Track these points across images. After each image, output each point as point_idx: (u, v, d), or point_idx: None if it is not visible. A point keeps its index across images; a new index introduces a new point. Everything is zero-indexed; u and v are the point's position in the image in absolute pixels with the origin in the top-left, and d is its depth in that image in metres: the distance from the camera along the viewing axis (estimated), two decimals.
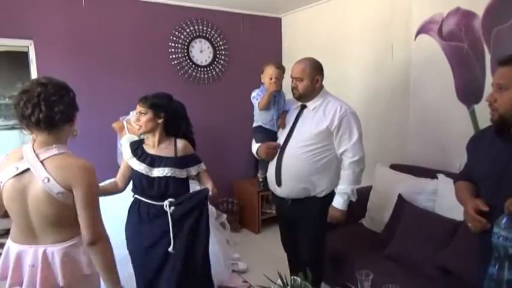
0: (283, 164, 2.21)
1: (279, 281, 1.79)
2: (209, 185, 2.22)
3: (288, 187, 2.23)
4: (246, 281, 3.02)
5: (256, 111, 2.34)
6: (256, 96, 2.28)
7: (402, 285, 1.62)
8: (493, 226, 1.28)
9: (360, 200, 2.90)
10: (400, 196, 2.58)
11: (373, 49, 3.30)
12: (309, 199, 2.23)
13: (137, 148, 2.14)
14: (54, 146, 1.42)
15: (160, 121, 2.10)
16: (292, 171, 2.20)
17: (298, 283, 1.72)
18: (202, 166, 2.25)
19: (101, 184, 2.03)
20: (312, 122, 2.20)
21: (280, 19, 4.40)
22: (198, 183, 2.34)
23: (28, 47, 3.29)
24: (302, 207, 2.25)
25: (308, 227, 2.28)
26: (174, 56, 3.80)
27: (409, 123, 3.05)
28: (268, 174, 2.35)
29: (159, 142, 2.14)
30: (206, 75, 3.99)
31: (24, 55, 3.44)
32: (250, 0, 3.79)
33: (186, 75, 3.89)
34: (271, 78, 2.23)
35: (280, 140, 2.28)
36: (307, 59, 2.27)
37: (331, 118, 2.16)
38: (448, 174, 2.44)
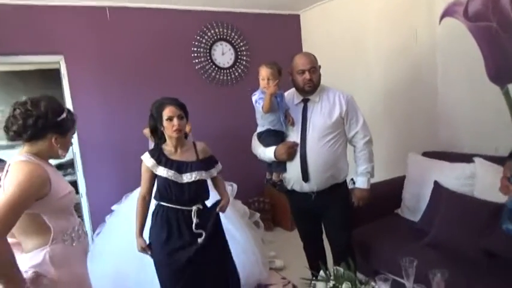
0: (308, 159, 2.23)
1: (322, 273, 1.80)
2: (224, 196, 2.24)
3: (316, 179, 2.25)
4: (284, 278, 3.03)
5: (261, 115, 2.26)
6: (259, 100, 2.19)
7: (448, 272, 1.60)
8: None
9: (394, 190, 2.91)
10: (436, 183, 2.53)
11: (396, 36, 3.25)
12: (333, 187, 2.31)
13: (159, 155, 2.08)
14: (24, 154, 1.46)
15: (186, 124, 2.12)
16: (319, 163, 2.23)
17: (341, 273, 1.73)
18: (220, 166, 2.27)
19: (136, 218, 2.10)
20: (323, 113, 2.26)
21: (299, 16, 4.40)
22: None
23: (59, 62, 3.43)
24: (327, 197, 2.31)
25: (338, 214, 2.36)
26: (197, 60, 3.87)
27: (439, 109, 2.99)
28: (289, 175, 2.32)
29: (181, 146, 2.13)
30: (229, 77, 4.04)
31: (56, 72, 3.59)
32: None
33: (210, 78, 3.96)
34: (263, 79, 2.17)
35: (293, 138, 2.27)
36: (307, 52, 2.31)
37: (339, 105, 2.27)
38: (485, 158, 2.38)
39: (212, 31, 3.91)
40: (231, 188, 3.29)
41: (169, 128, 2.04)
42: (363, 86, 3.62)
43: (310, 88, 2.26)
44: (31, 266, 1.38)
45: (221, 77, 4.00)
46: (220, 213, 2.84)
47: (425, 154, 2.91)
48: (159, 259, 2.08)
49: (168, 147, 2.13)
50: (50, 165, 1.55)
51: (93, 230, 3.35)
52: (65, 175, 5.33)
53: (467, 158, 2.53)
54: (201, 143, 2.26)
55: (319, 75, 2.30)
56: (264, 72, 2.17)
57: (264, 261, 3.02)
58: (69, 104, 3.42)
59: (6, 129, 1.46)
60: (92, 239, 3.24)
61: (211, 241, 2.10)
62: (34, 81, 5.27)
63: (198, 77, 3.89)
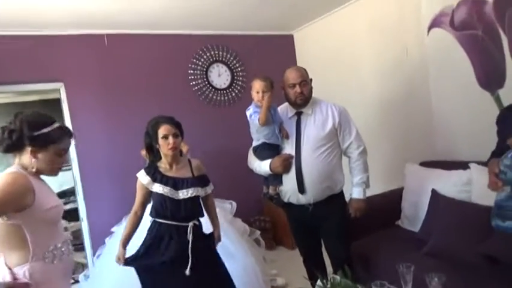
0: (304, 170, 2.24)
1: (319, 282, 1.77)
2: (216, 229, 2.27)
3: (312, 191, 2.25)
4: None
5: (255, 129, 2.29)
6: (254, 114, 2.23)
7: (447, 278, 1.58)
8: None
9: (393, 201, 2.90)
10: (433, 191, 2.52)
11: (387, 51, 3.32)
12: (330, 198, 2.31)
13: (154, 173, 2.10)
14: (14, 166, 1.50)
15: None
16: (315, 174, 2.24)
17: (338, 281, 1.70)
18: (212, 186, 2.29)
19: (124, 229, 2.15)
20: (316, 125, 2.29)
21: (292, 36, 4.52)
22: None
23: (59, 90, 3.52)
24: (324, 208, 2.30)
25: (335, 225, 2.35)
26: (194, 82, 3.96)
27: (434, 119, 3.01)
28: (285, 187, 2.32)
29: (177, 164, 2.15)
30: (226, 98, 4.11)
31: (57, 102, 3.67)
32: (262, 21, 3.92)
33: (207, 99, 4.03)
34: (257, 92, 2.20)
35: (288, 150, 2.30)
36: (298, 66, 2.36)
37: (332, 117, 2.30)
38: (479, 163, 2.37)
39: (208, 53, 4.01)
40: (230, 206, 3.29)
41: (165, 146, 2.07)
42: (358, 101, 3.66)
43: (302, 101, 2.30)
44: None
45: (218, 98, 4.08)
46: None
47: (423, 164, 2.90)
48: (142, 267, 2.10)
49: (163, 165, 2.15)
50: (39, 178, 1.56)
51: (94, 253, 3.33)
52: (67, 203, 5.35)
53: (463, 165, 2.52)
54: (196, 160, 2.28)
55: (311, 88, 2.35)
56: (257, 85, 2.22)
57: (265, 279, 2.96)
58: None
59: None
60: (93, 262, 3.22)
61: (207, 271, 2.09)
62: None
63: (195, 98, 3.97)
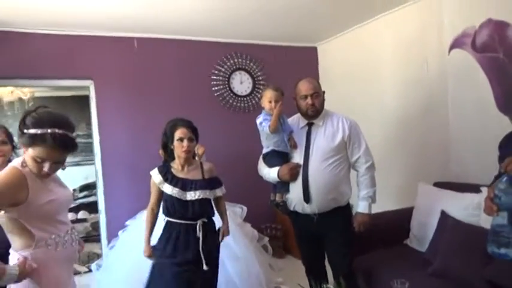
0: (310, 180, 2.28)
1: None
2: (224, 223, 2.33)
3: (318, 201, 2.28)
4: None
5: (265, 137, 2.36)
6: (264, 122, 2.29)
7: None
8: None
9: (403, 220, 2.88)
10: (443, 212, 2.49)
11: (408, 68, 3.32)
12: (335, 210, 2.32)
13: (166, 173, 2.20)
14: (21, 158, 1.54)
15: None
16: (321, 185, 2.27)
17: None
18: (224, 189, 2.35)
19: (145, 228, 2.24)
20: (326, 136, 2.33)
21: (316, 48, 4.57)
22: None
23: (89, 87, 3.73)
24: (329, 220, 2.32)
25: (339, 237, 2.35)
26: (216, 88, 4.07)
27: (450, 139, 2.97)
28: (291, 196, 2.37)
29: (189, 165, 2.25)
30: (246, 104, 4.20)
31: (87, 98, 3.89)
32: (287, 32, 4.00)
33: (228, 105, 4.13)
34: (270, 101, 2.28)
35: (297, 159, 2.34)
36: (311, 78, 2.40)
37: (342, 130, 2.33)
38: None
39: (232, 61, 4.12)
40: (240, 210, 3.35)
41: (179, 148, 2.17)
42: (376, 116, 3.66)
43: (313, 113, 2.35)
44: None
45: (238, 104, 4.17)
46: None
47: (437, 184, 2.87)
48: (160, 264, 2.18)
49: (175, 165, 2.25)
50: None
51: (108, 244, 3.48)
52: (90, 195, 5.58)
53: (476, 189, 2.47)
54: (208, 163, 2.37)
55: (323, 100, 2.39)
56: (269, 94, 2.31)
57: (269, 286, 3.00)
58: (95, 125, 3.68)
59: None
60: (107, 253, 3.37)
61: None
62: (69, 106, 5.71)
63: (216, 103, 4.08)
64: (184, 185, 2.17)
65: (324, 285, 1.78)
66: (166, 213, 2.20)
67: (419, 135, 3.26)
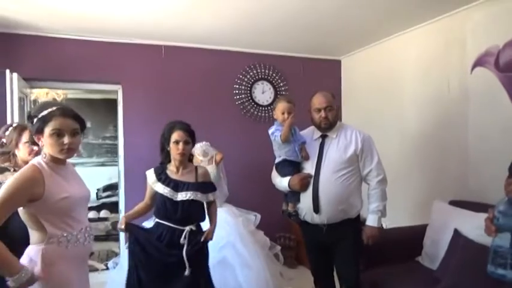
0: (320, 190, 2.31)
1: None
2: (211, 226, 2.34)
3: (327, 212, 2.30)
4: None
5: (278, 146, 2.41)
6: (275, 132, 2.35)
7: None
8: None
9: (416, 236, 2.85)
10: (456, 231, 2.46)
11: (429, 84, 3.30)
12: (345, 221, 2.33)
13: (161, 173, 2.28)
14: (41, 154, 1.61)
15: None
16: (331, 196, 2.29)
17: None
18: (217, 194, 2.41)
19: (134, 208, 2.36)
20: (339, 148, 2.36)
21: (340, 61, 4.60)
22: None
23: (117, 91, 3.91)
24: (338, 231, 2.33)
25: (347, 249, 2.36)
26: (238, 96, 4.17)
27: (469, 158, 2.92)
28: (301, 205, 2.40)
29: (183, 168, 2.32)
30: (267, 114, 4.26)
31: (115, 102, 4.08)
32: (311, 44, 4.05)
33: (249, 114, 4.22)
34: (283, 113, 2.34)
35: (308, 170, 2.37)
36: (326, 91, 2.44)
37: (355, 143, 2.35)
38: None
39: (255, 71, 4.22)
40: (254, 217, 3.39)
41: (175, 150, 2.26)
42: (396, 131, 3.65)
43: (326, 125, 2.39)
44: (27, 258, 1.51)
45: (259, 114, 4.25)
46: (238, 240, 2.93)
47: (452, 202, 2.83)
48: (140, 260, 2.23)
49: (171, 167, 2.34)
50: (59, 167, 1.60)
51: (126, 243, 3.60)
52: (113, 195, 5.79)
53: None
54: (203, 168, 2.45)
55: (336, 114, 2.42)
56: (283, 106, 2.37)
57: None
58: (120, 127, 3.85)
59: None
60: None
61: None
62: (99, 108, 6.00)
63: (238, 111, 4.18)
64: (176, 185, 2.24)
65: None
66: (157, 213, 2.28)
67: (438, 153, 3.23)
